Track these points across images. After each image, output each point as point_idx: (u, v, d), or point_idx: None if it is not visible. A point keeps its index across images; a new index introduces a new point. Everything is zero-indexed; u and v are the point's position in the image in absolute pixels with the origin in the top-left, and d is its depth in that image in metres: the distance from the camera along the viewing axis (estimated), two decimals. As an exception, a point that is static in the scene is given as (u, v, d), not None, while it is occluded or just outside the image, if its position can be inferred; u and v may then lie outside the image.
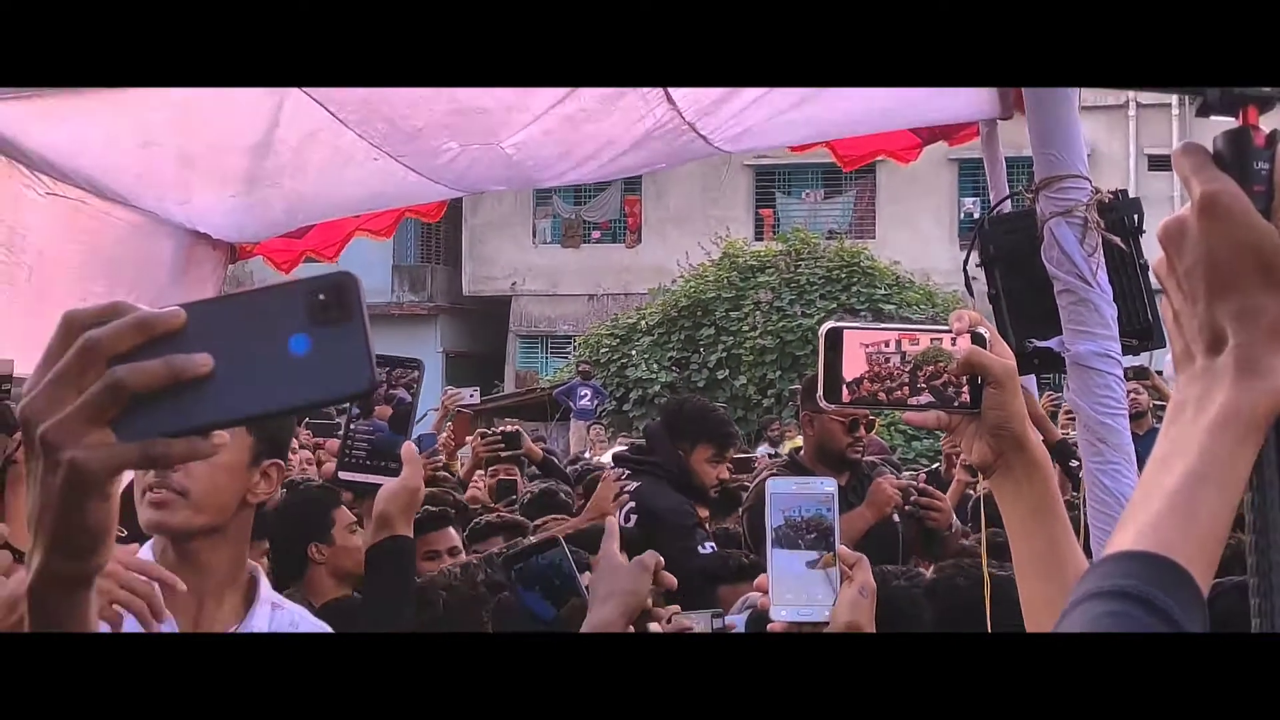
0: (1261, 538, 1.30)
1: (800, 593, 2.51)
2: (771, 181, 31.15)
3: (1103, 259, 3.16)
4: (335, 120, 5.89)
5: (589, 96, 5.71)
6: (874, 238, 28.58)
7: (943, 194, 28.68)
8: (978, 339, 1.99)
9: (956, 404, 2.00)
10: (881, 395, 2.04)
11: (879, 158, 7.48)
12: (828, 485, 2.58)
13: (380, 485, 3.11)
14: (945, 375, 2.01)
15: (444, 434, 9.42)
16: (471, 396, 11.58)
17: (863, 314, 22.71)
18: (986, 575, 3.21)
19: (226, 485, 2.97)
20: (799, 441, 8.40)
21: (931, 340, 2.02)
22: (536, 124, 5.86)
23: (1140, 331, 3.66)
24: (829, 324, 2.09)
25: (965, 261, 4.20)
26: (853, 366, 2.04)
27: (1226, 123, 1.30)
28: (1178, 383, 1.30)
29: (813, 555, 2.54)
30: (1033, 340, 3.50)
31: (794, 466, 6.07)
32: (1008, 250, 3.62)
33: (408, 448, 3.10)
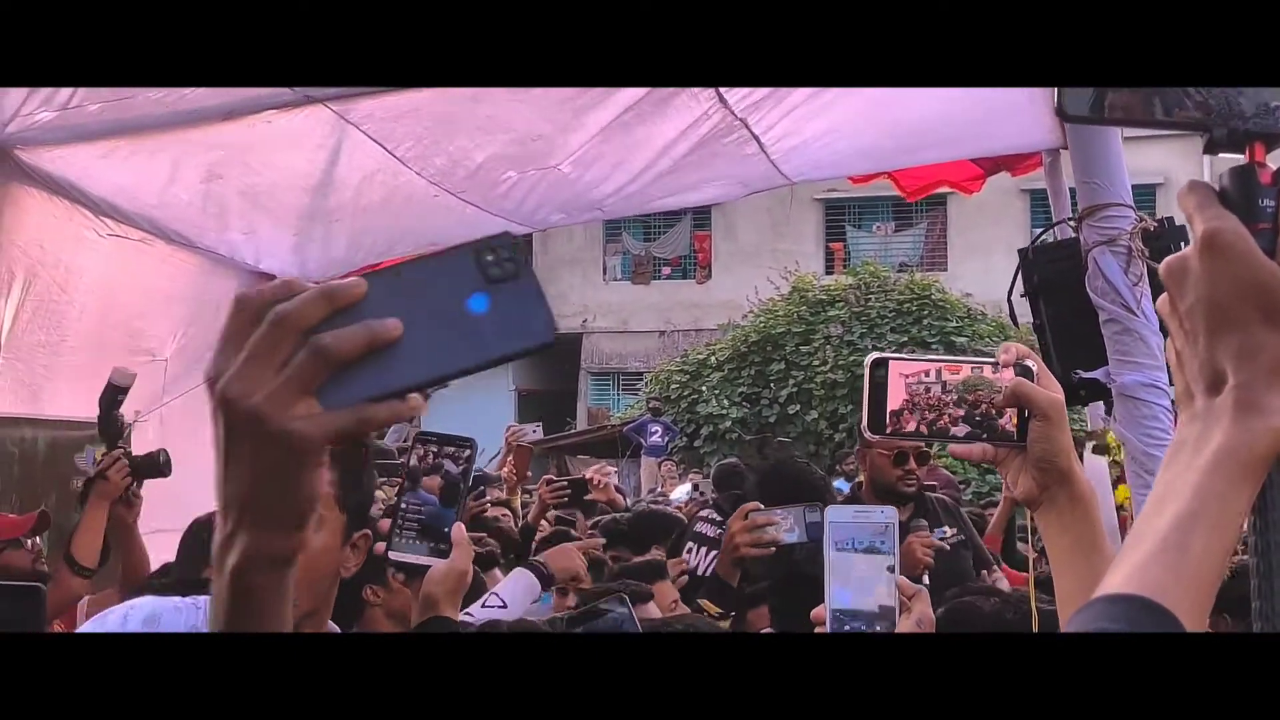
0: (1261, 538, 1.31)
1: (858, 626, 2.50)
2: (841, 215, 31.07)
3: (1148, 288, 3.13)
4: (392, 158, 5.93)
5: (644, 103, 5.71)
6: (945, 270, 28.45)
7: (1015, 224, 28.46)
8: (1025, 371, 1.99)
9: (1002, 437, 2.00)
10: (923, 426, 2.04)
11: (943, 189, 7.44)
12: (886, 515, 2.57)
13: (430, 566, 3.12)
14: (988, 406, 2.01)
15: (506, 468, 9.43)
16: (535, 432, 11.58)
17: (935, 347, 22.61)
18: (1034, 609, 3.17)
19: (325, 569, 2.90)
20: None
21: (972, 370, 2.03)
22: (591, 142, 5.88)
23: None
24: (874, 355, 2.08)
25: (1010, 291, 4.18)
26: (896, 397, 2.04)
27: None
28: (1179, 423, 1.30)
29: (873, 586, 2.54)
30: (1078, 371, 3.47)
31: (855, 502, 6.02)
32: (1052, 280, 3.60)
33: (458, 530, 3.09)
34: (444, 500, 3.11)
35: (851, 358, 22.86)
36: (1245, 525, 1.31)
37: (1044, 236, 4.10)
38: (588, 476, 8.88)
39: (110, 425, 5.40)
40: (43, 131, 5.31)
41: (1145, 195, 19.93)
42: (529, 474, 10.35)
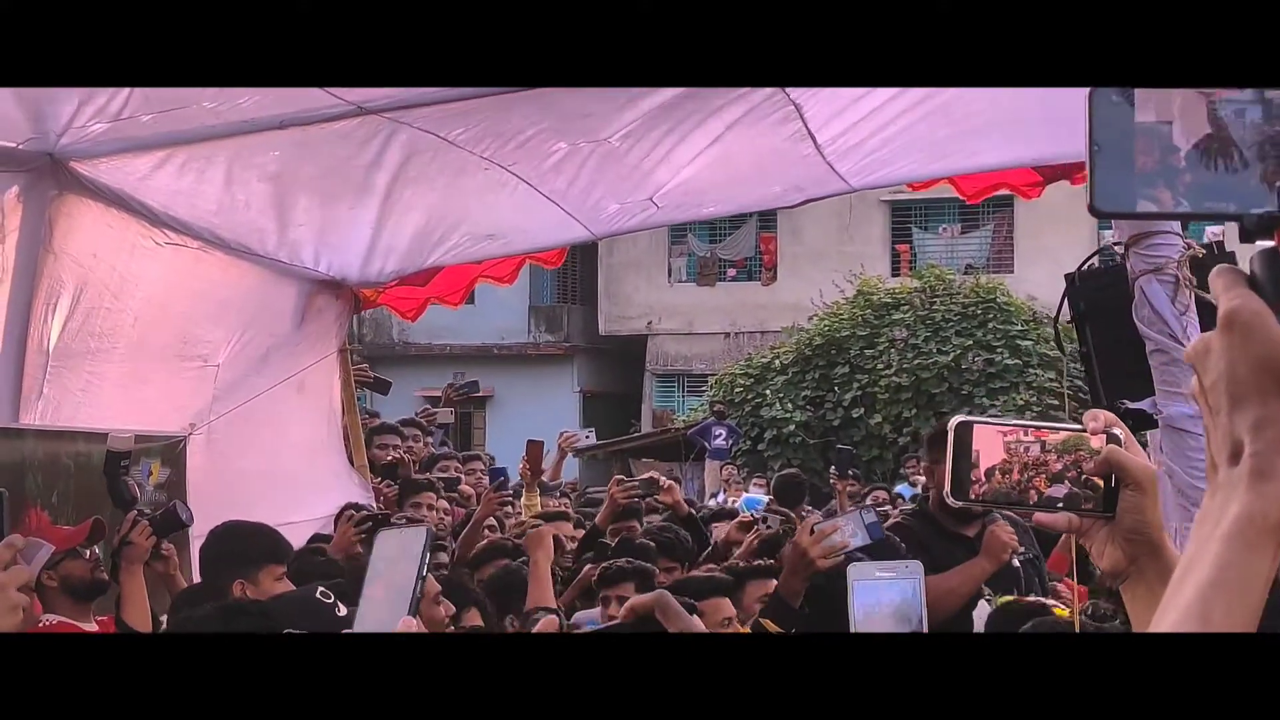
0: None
1: None
2: (908, 217, 30.92)
3: (1195, 317, 3.07)
4: (444, 142, 5.91)
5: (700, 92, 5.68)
6: (1012, 272, 28.24)
7: (1082, 227, 28.21)
8: (1113, 439, 1.96)
9: (1090, 506, 1.96)
10: (1013, 491, 2.00)
11: (1004, 191, 7.45)
12: (912, 570, 2.52)
13: None
14: (1082, 473, 1.97)
15: (520, 465, 9.43)
16: (588, 438, 11.59)
17: (1000, 351, 22.49)
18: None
19: None
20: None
21: (1069, 435, 2.00)
22: (642, 118, 5.85)
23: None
24: (958, 419, 2.05)
25: (1055, 319, 4.12)
26: (989, 457, 2.01)
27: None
28: (1205, 495, 1.32)
29: None
30: (1124, 401, 3.42)
31: (920, 516, 5.94)
32: (1098, 307, 3.55)
33: (404, 624, 2.98)
34: (398, 591, 3.01)
35: (916, 361, 22.77)
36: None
37: (1090, 261, 4.02)
38: (657, 479, 8.91)
39: (119, 492, 5.47)
40: (96, 143, 5.34)
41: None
42: (544, 471, 10.28)
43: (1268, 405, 1.27)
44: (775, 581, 5.72)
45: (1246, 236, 1.32)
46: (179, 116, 5.17)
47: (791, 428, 23.28)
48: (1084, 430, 1.99)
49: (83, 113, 5.01)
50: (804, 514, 9.68)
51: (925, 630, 2.46)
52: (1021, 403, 21.63)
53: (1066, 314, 4.05)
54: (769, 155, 6.54)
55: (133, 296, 5.99)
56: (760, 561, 6.53)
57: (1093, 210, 1.36)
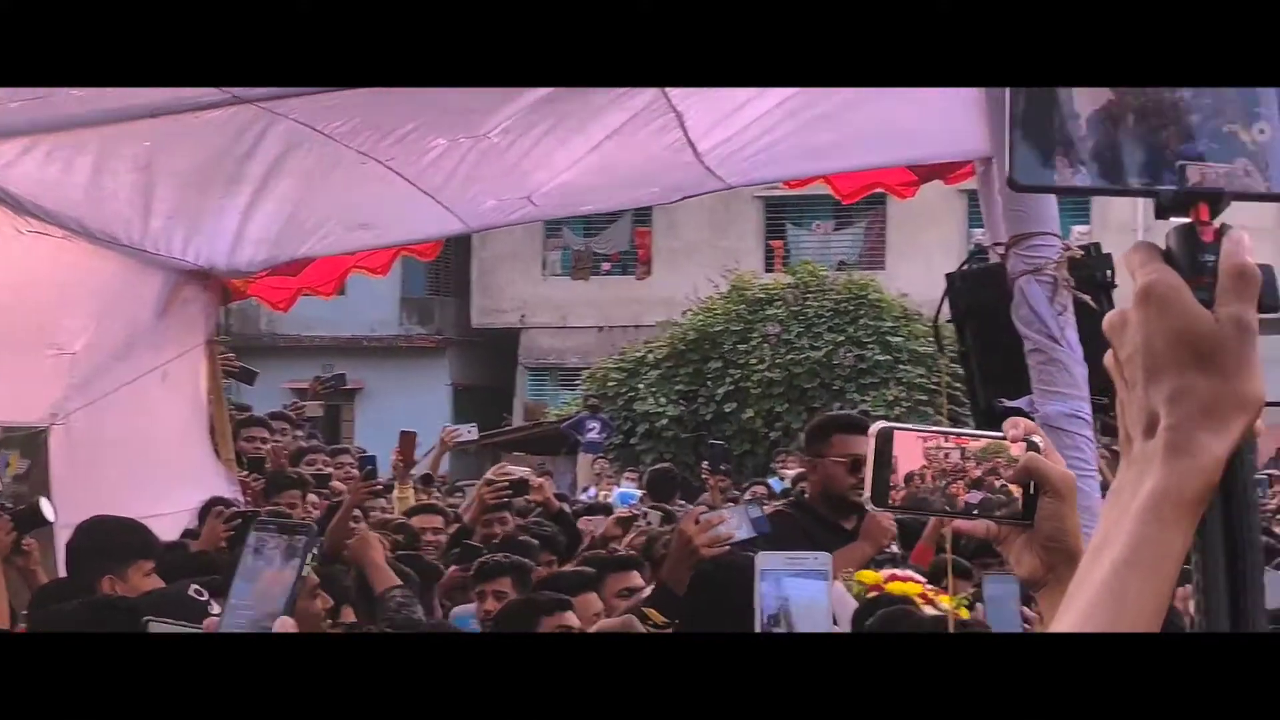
0: (1209, 618, 1.31)
1: None
2: (782, 213, 31.16)
3: (1073, 317, 3.11)
4: (320, 135, 5.85)
5: (580, 107, 5.67)
6: (883, 269, 28.58)
7: (952, 225, 28.63)
8: (1032, 447, 1.98)
9: (1008, 514, 1.98)
10: (932, 498, 2.01)
11: (878, 191, 7.54)
12: (820, 562, 2.52)
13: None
14: (1001, 481, 1.98)
15: (393, 456, 9.42)
16: (470, 433, 11.56)
17: (870, 347, 22.73)
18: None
19: None
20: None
21: (990, 443, 2.01)
22: (521, 112, 5.83)
23: (1110, 390, 3.58)
24: (880, 425, 2.06)
25: (935, 319, 4.16)
26: (908, 463, 2.02)
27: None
28: (1119, 470, 1.33)
29: None
30: (1001, 400, 3.45)
31: (800, 508, 5.98)
32: (978, 307, 3.59)
33: (282, 624, 2.92)
34: (277, 593, 2.96)
35: (789, 357, 22.97)
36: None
37: (970, 263, 4.08)
38: (527, 478, 8.90)
39: None
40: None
41: (1083, 200, 20.00)
42: (415, 462, 10.27)
43: (1184, 377, 1.27)
44: (635, 573, 5.73)
45: (1161, 213, 1.33)
46: (45, 104, 5.07)
47: (664, 422, 23.35)
48: (1003, 437, 2.01)
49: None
50: (678, 508, 9.73)
51: (834, 621, 2.46)
52: (891, 398, 21.88)
53: (947, 313, 4.10)
54: (649, 162, 6.57)
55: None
56: (619, 551, 6.56)
57: (1011, 183, 1.37)
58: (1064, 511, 1.95)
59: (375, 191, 6.50)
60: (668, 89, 5.90)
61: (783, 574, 2.48)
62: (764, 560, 2.54)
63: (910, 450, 2.02)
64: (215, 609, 3.24)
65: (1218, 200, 1.31)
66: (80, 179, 5.89)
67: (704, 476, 12.73)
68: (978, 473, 1.98)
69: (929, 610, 5.24)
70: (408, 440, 9.50)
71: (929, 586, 5.72)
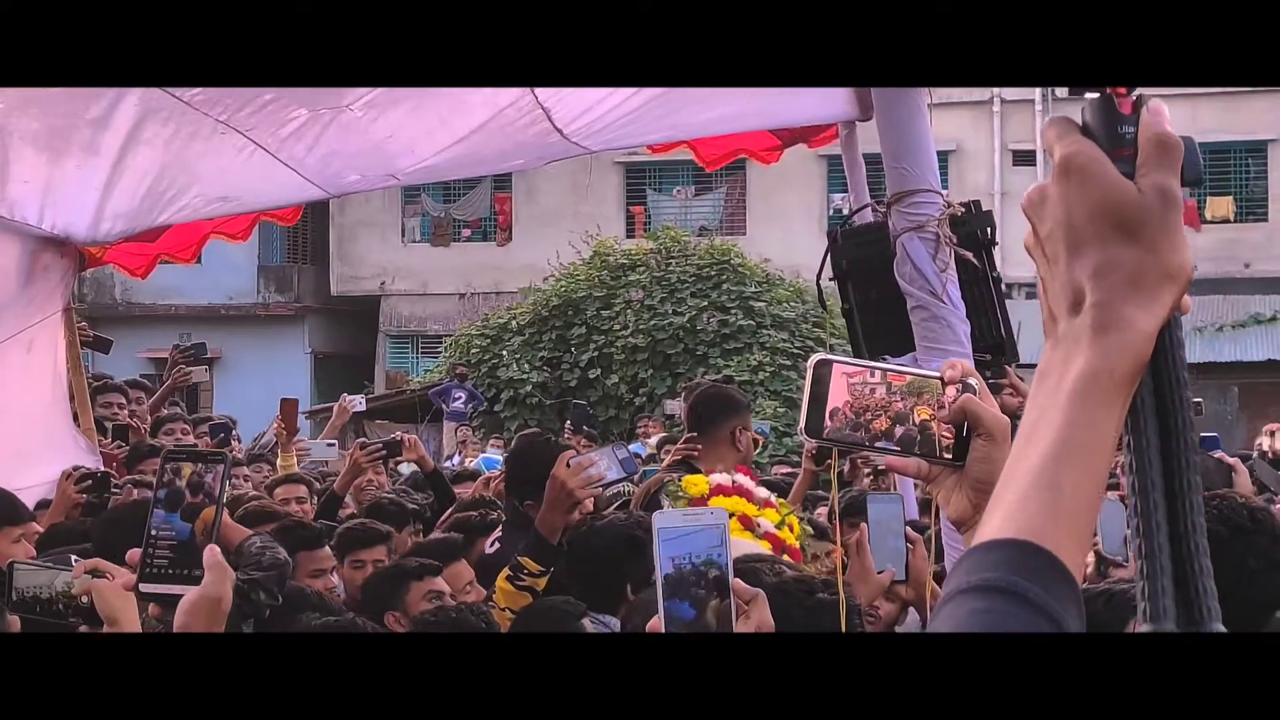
0: (1144, 519, 1.25)
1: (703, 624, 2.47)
2: (642, 179, 31.23)
3: (955, 274, 3.15)
4: (179, 102, 5.78)
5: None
6: (744, 234, 28.70)
7: (812, 190, 28.87)
8: (968, 389, 1.96)
9: (940, 454, 1.96)
10: (861, 432, 1.98)
11: (741, 157, 7.55)
12: (716, 516, 2.52)
13: (181, 595, 2.94)
14: (933, 419, 1.97)
15: (274, 424, 9.38)
16: (360, 404, 11.59)
17: (734, 312, 22.83)
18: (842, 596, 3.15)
19: None
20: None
21: (916, 377, 2.00)
22: (384, 90, 5.81)
23: (994, 347, 3.65)
24: (818, 355, 2.03)
25: (819, 275, 4.17)
26: (839, 397, 1.99)
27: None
28: (1043, 351, 1.28)
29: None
30: (886, 356, 3.47)
31: (687, 465, 5.99)
32: (861, 264, 3.61)
33: (209, 553, 2.90)
34: (197, 530, 2.95)
35: (652, 322, 23.01)
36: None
37: (853, 220, 4.12)
38: (400, 438, 8.86)
39: None
40: None
41: (939, 163, 20.23)
42: (298, 429, 10.23)
43: (1108, 250, 1.24)
44: (497, 533, 5.68)
45: (1074, 87, 1.32)
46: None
47: (529, 388, 23.33)
48: (934, 375, 1.99)
49: None
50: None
51: (730, 575, 2.45)
52: (755, 363, 22.01)
53: (829, 271, 4.10)
54: (516, 147, 6.59)
55: None
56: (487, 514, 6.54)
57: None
58: (995, 454, 1.90)
59: (234, 163, 6.42)
60: (551, 111, 5.95)
61: (681, 531, 2.48)
62: (661, 519, 2.53)
63: (845, 384, 1.99)
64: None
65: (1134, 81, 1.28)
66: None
67: (566, 438, 12.75)
68: (901, 407, 1.96)
69: (746, 538, 5.24)
70: (290, 407, 9.43)
71: (757, 499, 5.69)
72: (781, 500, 6.05)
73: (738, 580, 2.45)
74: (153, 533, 2.92)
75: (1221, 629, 1.19)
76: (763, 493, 5.70)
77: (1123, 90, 1.28)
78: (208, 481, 2.99)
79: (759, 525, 5.33)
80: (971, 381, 1.99)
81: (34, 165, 6.36)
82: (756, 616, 2.41)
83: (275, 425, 9.44)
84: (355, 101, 5.93)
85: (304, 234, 32.13)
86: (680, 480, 5.36)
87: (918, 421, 1.96)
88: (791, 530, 5.59)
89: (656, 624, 2.44)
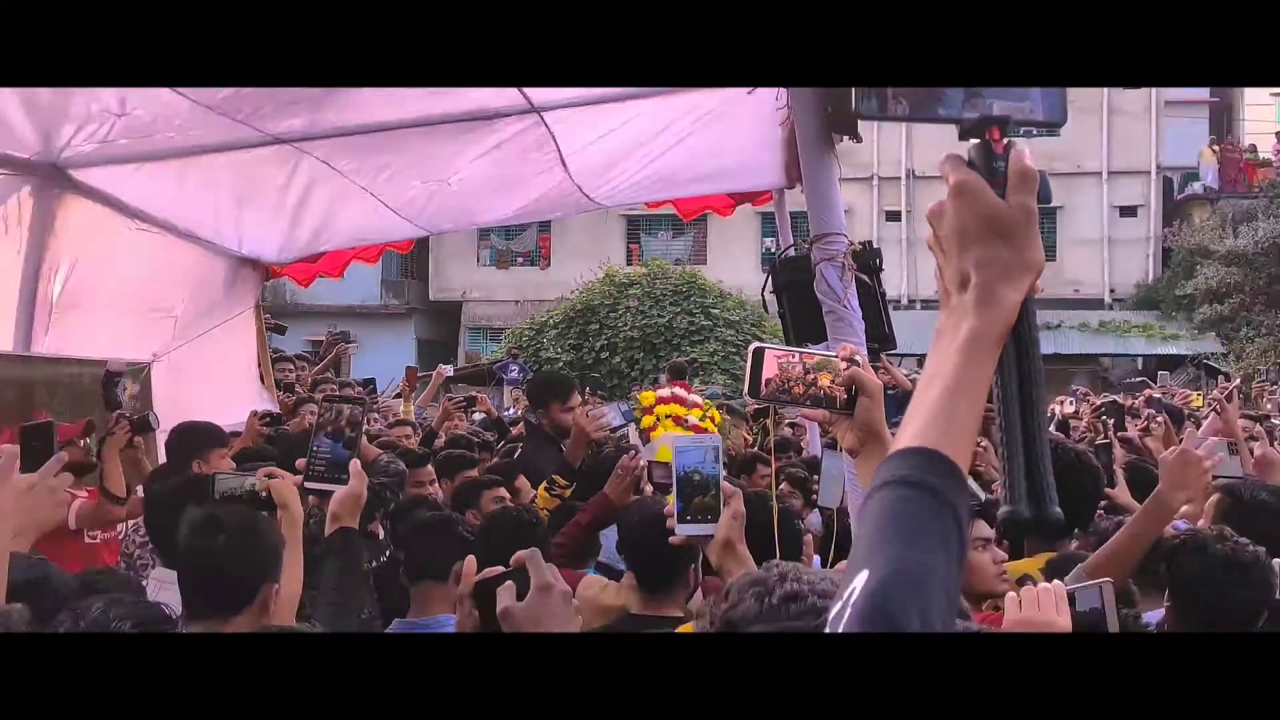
0: (1008, 433, 1.24)
1: (697, 517, 2.44)
2: (638, 226, 31.11)
3: (854, 290, 3.14)
4: (334, 172, 5.78)
5: (507, 146, 5.66)
6: (706, 264, 28.69)
7: (751, 235, 28.84)
8: (854, 363, 1.99)
9: (838, 407, 1.99)
10: (786, 394, 2.01)
11: (707, 212, 7.57)
12: (713, 440, 2.52)
13: (334, 491, 2.94)
14: (832, 384, 1.98)
15: (401, 383, 9.38)
16: (450, 371, 11.58)
17: (698, 315, 22.84)
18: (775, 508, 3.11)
19: None
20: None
21: (822, 357, 2.02)
22: (470, 167, 5.81)
23: (880, 339, 3.67)
24: (755, 345, 2.05)
25: (763, 290, 4.17)
26: (771, 370, 2.01)
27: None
28: (941, 317, 1.25)
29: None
30: (808, 344, 3.48)
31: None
32: (792, 283, 3.60)
33: (354, 465, 2.92)
34: (344, 444, 2.97)
35: (644, 322, 22.99)
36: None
37: (787, 251, 4.11)
38: (475, 396, 8.95)
39: (112, 400, 5.34)
40: (86, 157, 5.11)
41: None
42: (414, 387, 10.23)
43: (988, 249, 1.21)
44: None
45: (964, 135, 1.28)
46: (146, 141, 4.97)
47: (560, 365, 23.28)
48: (833, 355, 2.01)
49: (79, 135, 4.80)
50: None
51: (720, 477, 2.39)
52: (712, 350, 22.00)
53: (771, 287, 4.07)
54: (555, 204, 6.65)
55: (112, 265, 5.77)
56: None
57: (858, 114, 1.30)
58: (873, 407, 1.94)
59: (370, 213, 6.43)
60: (580, 183, 5.93)
61: (687, 448, 2.47)
62: (675, 441, 2.51)
63: (775, 363, 2.01)
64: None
65: (1006, 125, 1.26)
66: (170, 192, 5.78)
67: (586, 401, 12.74)
68: (811, 378, 1.98)
69: (677, 431, 5.17)
70: (411, 373, 9.44)
71: (688, 403, 5.63)
72: (707, 400, 6.05)
73: (725, 483, 2.44)
74: (314, 450, 2.95)
75: (1059, 512, 1.17)
76: (694, 399, 5.68)
77: (997, 135, 1.25)
78: (354, 417, 3.01)
79: (687, 420, 5.36)
80: (858, 358, 2.02)
81: (237, 212, 6.36)
82: (734, 505, 2.40)
83: (401, 385, 9.42)
84: (452, 177, 5.95)
85: (413, 258, 31.98)
86: (639, 395, 5.44)
87: (823, 385, 1.99)
88: (713, 420, 5.60)
89: (670, 506, 2.41)
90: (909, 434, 1.18)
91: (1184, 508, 3.35)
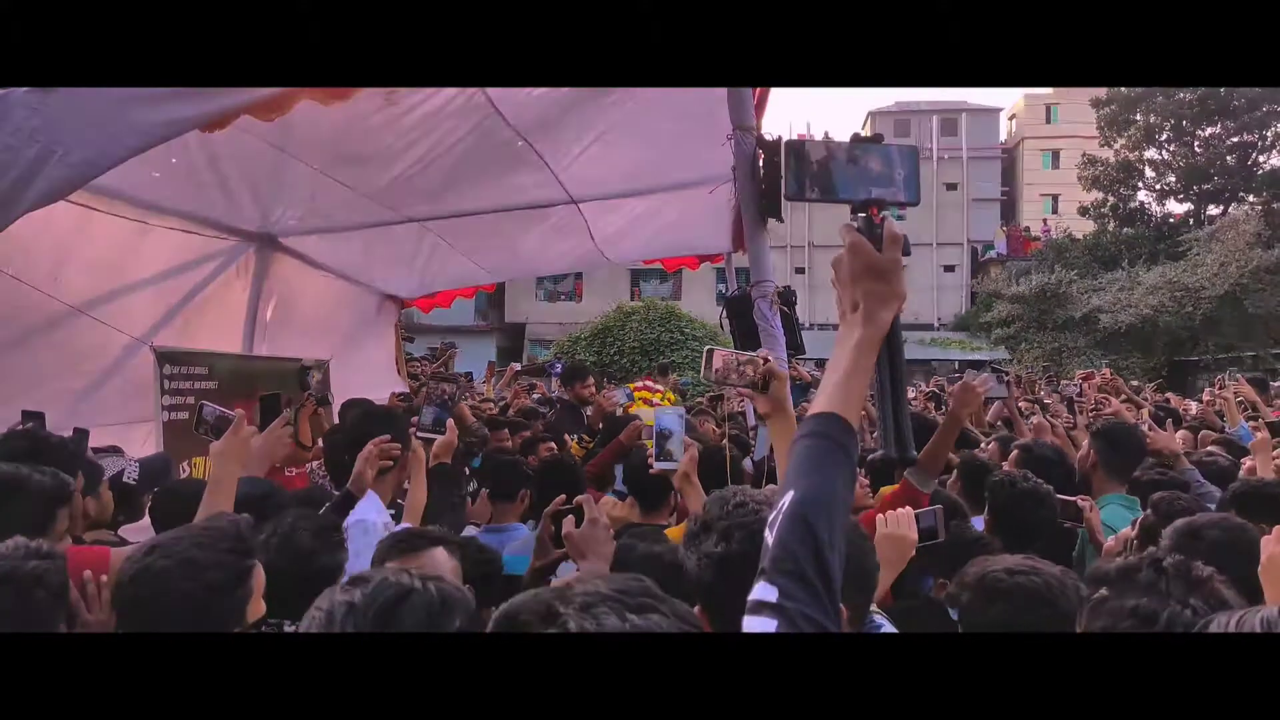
0: (880, 403, 1.23)
1: (666, 458, 2.43)
2: (639, 276, 31.01)
3: (779, 317, 3.12)
4: (444, 241, 5.77)
5: (557, 233, 5.65)
6: (681, 300, 28.55)
7: (710, 282, 28.77)
8: (769, 361, 2.00)
9: (758, 388, 1.97)
10: (729, 378, 2.00)
11: (682, 267, 7.59)
12: (680, 410, 2.52)
13: (436, 439, 2.96)
14: (755, 372, 1.98)
15: (486, 374, 9.31)
16: (518, 368, 11.54)
17: (676, 332, 22.71)
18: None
19: None
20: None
21: (750, 356, 2.02)
22: (526, 238, 5.82)
23: (795, 347, 3.65)
24: (709, 346, 2.05)
25: (720, 316, 4.17)
26: (718, 363, 2.00)
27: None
28: (840, 327, 1.20)
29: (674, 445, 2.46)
30: (743, 349, 3.45)
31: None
32: (737, 312, 3.57)
33: (449, 422, 3.00)
34: (443, 409, 3.01)
35: (642, 337, 22.82)
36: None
37: (735, 292, 4.09)
38: (535, 384, 8.90)
39: (304, 382, 5.22)
40: (289, 229, 5.08)
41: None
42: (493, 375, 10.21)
43: (870, 285, 1.18)
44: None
45: (854, 211, 1.23)
46: (328, 219, 4.96)
47: (588, 364, 23.09)
48: (758, 355, 2.01)
49: (284, 214, 4.79)
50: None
51: (682, 435, 2.31)
52: (685, 355, 21.84)
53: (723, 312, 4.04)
54: (580, 261, 6.61)
55: (304, 298, 5.74)
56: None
57: (786, 195, 1.24)
58: (781, 389, 1.94)
59: (469, 267, 6.46)
60: (602, 249, 5.89)
61: (663, 415, 2.45)
62: (658, 412, 2.50)
63: (721, 358, 2.01)
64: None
65: (882, 204, 1.23)
66: (347, 254, 5.76)
67: (604, 387, 12.61)
68: (745, 368, 1.98)
69: (647, 408, 5.09)
70: (491, 367, 9.44)
71: (652, 390, 5.69)
72: (669, 390, 6.08)
73: (687, 438, 2.43)
74: (424, 412, 2.98)
75: (915, 454, 1.17)
76: (657, 388, 5.72)
77: (875, 212, 1.21)
78: (451, 393, 3.05)
79: (652, 400, 5.38)
80: (772, 358, 2.02)
81: (384, 266, 6.33)
82: (690, 452, 2.37)
83: (486, 375, 9.36)
84: (520, 248, 5.97)
85: (495, 294, 31.89)
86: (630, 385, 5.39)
87: (749, 374, 1.99)
88: (668, 400, 5.62)
89: (651, 451, 2.38)
90: (820, 403, 1.15)
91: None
